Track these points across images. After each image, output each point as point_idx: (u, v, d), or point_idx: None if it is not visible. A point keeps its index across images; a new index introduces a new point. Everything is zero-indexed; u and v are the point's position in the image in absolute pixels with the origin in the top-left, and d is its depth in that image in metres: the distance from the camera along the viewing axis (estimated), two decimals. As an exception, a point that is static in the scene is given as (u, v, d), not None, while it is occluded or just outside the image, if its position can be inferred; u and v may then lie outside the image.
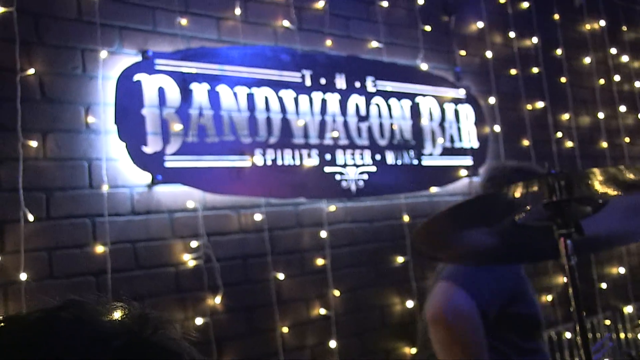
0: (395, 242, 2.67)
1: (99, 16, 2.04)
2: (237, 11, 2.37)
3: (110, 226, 1.95)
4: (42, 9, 1.96)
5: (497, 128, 3.17)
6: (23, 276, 1.78)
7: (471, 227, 1.36)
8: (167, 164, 2.08)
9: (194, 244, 2.12)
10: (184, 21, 2.23)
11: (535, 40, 3.55)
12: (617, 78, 4.05)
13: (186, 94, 2.16)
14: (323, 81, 2.53)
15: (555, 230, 1.39)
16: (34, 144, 1.87)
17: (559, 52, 3.70)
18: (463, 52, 3.12)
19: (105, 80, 2.02)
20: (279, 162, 2.35)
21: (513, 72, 3.40)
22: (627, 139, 4.02)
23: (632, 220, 1.62)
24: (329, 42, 2.62)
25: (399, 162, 2.74)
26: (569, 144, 3.61)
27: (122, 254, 1.98)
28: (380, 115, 2.70)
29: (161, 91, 2.11)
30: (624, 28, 4.22)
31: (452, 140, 2.97)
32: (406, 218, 2.71)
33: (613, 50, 4.07)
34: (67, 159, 1.93)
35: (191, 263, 2.10)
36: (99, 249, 1.93)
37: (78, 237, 1.92)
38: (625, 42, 4.21)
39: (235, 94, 2.27)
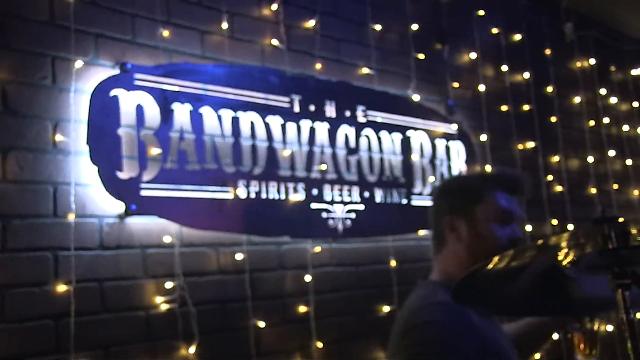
0: (382, 288, 2.71)
1: (74, 21, 2.02)
2: (224, 25, 2.40)
3: (76, 262, 1.91)
4: (10, 9, 1.93)
5: (488, 167, 3.29)
6: (-29, 318, 1.71)
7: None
8: (143, 193, 2.05)
9: (168, 284, 2.09)
10: (165, 33, 2.24)
11: (527, 75, 3.74)
12: (606, 120, 4.30)
13: (167, 115, 2.15)
14: (312, 108, 2.57)
15: (611, 281, 1.45)
16: (-7, 162, 1.82)
17: (549, 89, 3.90)
18: (456, 84, 3.25)
19: (78, 93, 2.00)
20: (264, 196, 2.36)
21: (504, 108, 3.56)
22: (615, 186, 4.24)
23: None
24: (318, 65, 2.68)
25: (388, 201, 2.79)
26: (559, 188, 3.78)
27: (88, 294, 1.93)
28: (370, 149, 2.76)
29: (140, 109, 2.10)
30: (613, 68, 4.50)
31: (442, 179, 3.05)
32: (393, 263, 2.76)
33: (603, 91, 4.32)
34: (30, 181, 1.89)
35: (164, 307, 2.07)
36: (61, 287, 1.88)
37: (37, 274, 1.86)
38: (614, 82, 4.49)
39: (219, 117, 2.29)
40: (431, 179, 2.99)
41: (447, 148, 3.12)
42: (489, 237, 1.59)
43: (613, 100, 4.43)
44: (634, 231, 1.47)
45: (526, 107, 3.70)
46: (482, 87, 3.40)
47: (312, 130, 2.57)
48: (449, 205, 1.67)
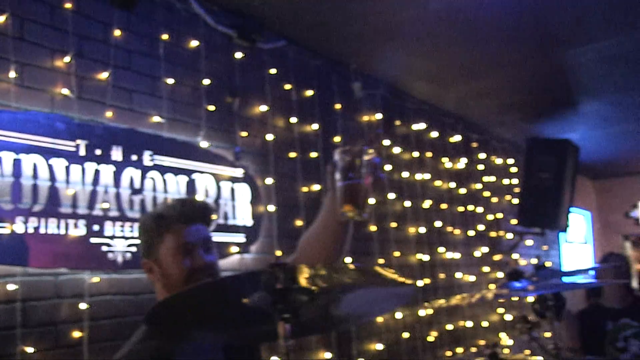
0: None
1: None
2: (12, 74, 2.54)
3: None
4: None
5: (271, 208, 3.64)
6: None
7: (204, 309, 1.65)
8: None
9: None
10: (-50, 79, 2.34)
11: (315, 126, 4.16)
12: (388, 167, 4.83)
13: (-57, 155, 2.25)
14: (98, 152, 2.77)
15: (276, 314, 1.74)
16: None
17: (337, 139, 4.35)
18: (244, 133, 3.58)
19: None
20: (42, 231, 2.51)
21: (293, 155, 3.94)
22: (394, 224, 4.78)
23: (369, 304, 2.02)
24: (109, 114, 2.88)
25: (171, 236, 3.03)
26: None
27: None
28: (155, 189, 3.00)
29: None
30: (397, 122, 5.08)
31: (226, 217, 3.35)
32: (173, 291, 2.99)
33: (386, 142, 4.87)
34: None
35: None
36: None
37: None
38: (398, 135, 5.06)
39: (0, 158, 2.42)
40: (214, 216, 3.26)
41: (233, 190, 3.43)
42: (176, 272, 1.67)
43: (396, 150, 4.99)
44: (301, 275, 1.80)
45: (314, 155, 4.11)
46: (270, 136, 3.76)
47: (97, 172, 2.76)
48: (141, 250, 1.76)
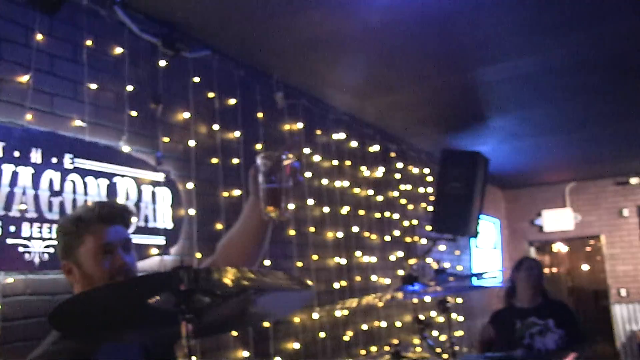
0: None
1: None
2: None
3: None
4: None
5: (191, 211, 3.72)
6: None
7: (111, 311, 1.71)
8: None
9: None
10: None
11: (238, 134, 4.27)
12: (308, 174, 4.99)
13: None
14: (17, 154, 2.78)
15: (180, 315, 1.79)
16: None
17: (258, 146, 4.47)
18: (167, 139, 3.64)
19: None
20: (-43, 231, 2.51)
21: (215, 161, 4.03)
22: (312, 229, 4.94)
23: (265, 305, 2.09)
24: (29, 116, 2.89)
25: (90, 238, 3.06)
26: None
27: None
28: (75, 192, 3.03)
29: None
30: (318, 132, 5.25)
31: (146, 220, 3.41)
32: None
33: (307, 150, 5.03)
34: None
35: None
36: None
37: None
38: (319, 143, 5.23)
39: None
40: (134, 219, 3.32)
41: (154, 193, 3.49)
42: (96, 273, 1.72)
43: (317, 158, 5.16)
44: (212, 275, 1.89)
45: (235, 161, 4.21)
46: (192, 142, 3.84)
47: (15, 174, 2.77)
48: (60, 252, 1.80)
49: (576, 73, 5.03)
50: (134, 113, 3.45)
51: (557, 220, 9.78)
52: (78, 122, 3.14)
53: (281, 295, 1.75)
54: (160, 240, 3.50)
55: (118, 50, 3.42)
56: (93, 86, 3.24)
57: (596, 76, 5.14)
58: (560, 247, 10.32)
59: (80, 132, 3.14)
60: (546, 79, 5.16)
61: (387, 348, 5.67)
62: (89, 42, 3.25)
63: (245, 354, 3.97)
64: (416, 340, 6.15)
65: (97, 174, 3.17)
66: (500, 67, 4.88)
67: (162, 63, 3.68)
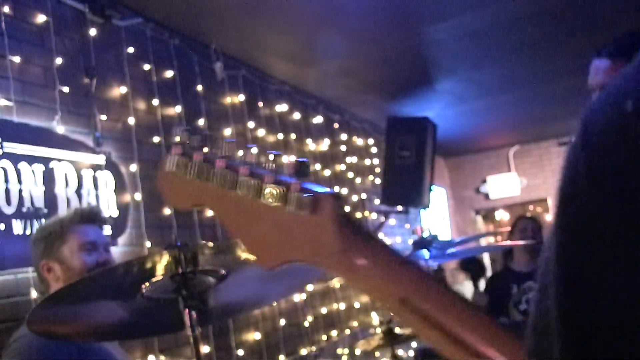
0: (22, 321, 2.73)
1: None
2: None
3: None
4: None
5: (137, 196, 3.52)
6: None
7: (97, 301, 1.61)
8: None
9: None
10: None
11: (178, 109, 4.07)
12: (254, 150, 4.83)
13: None
14: (-63, 140, 2.51)
15: (180, 303, 1.72)
16: None
17: (201, 122, 4.29)
18: (104, 117, 3.41)
19: None
20: None
21: (157, 139, 3.83)
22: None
23: (263, 286, 2.06)
24: (-54, 96, 2.62)
25: (28, 233, 2.83)
26: (210, 213, 4.17)
27: None
28: (7, 181, 2.78)
29: None
30: (260, 104, 5.10)
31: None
32: (34, 294, 2.80)
33: (251, 124, 4.88)
34: None
35: None
36: None
37: None
38: (262, 116, 5.09)
39: None
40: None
41: (95, 178, 3.26)
42: (80, 268, 1.95)
43: (261, 132, 5.02)
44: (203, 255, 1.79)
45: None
46: (132, 120, 3.62)
47: (-63, 163, 2.51)
48: (41, 252, 2.01)
49: (523, 27, 5.10)
50: (65, 89, 3.19)
51: (503, 186, 10.00)
52: (3, 101, 2.87)
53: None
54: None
55: (41, 18, 3.16)
56: (16, 59, 2.98)
57: (543, 29, 5.23)
58: (502, 216, 10.57)
59: (7, 113, 2.88)
60: (494, 34, 5.21)
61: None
62: (6, 9, 2.98)
63: (206, 349, 3.82)
64: (374, 322, 6.16)
65: (31, 160, 2.92)
66: (448, 25, 4.87)
67: (92, 32, 3.43)
